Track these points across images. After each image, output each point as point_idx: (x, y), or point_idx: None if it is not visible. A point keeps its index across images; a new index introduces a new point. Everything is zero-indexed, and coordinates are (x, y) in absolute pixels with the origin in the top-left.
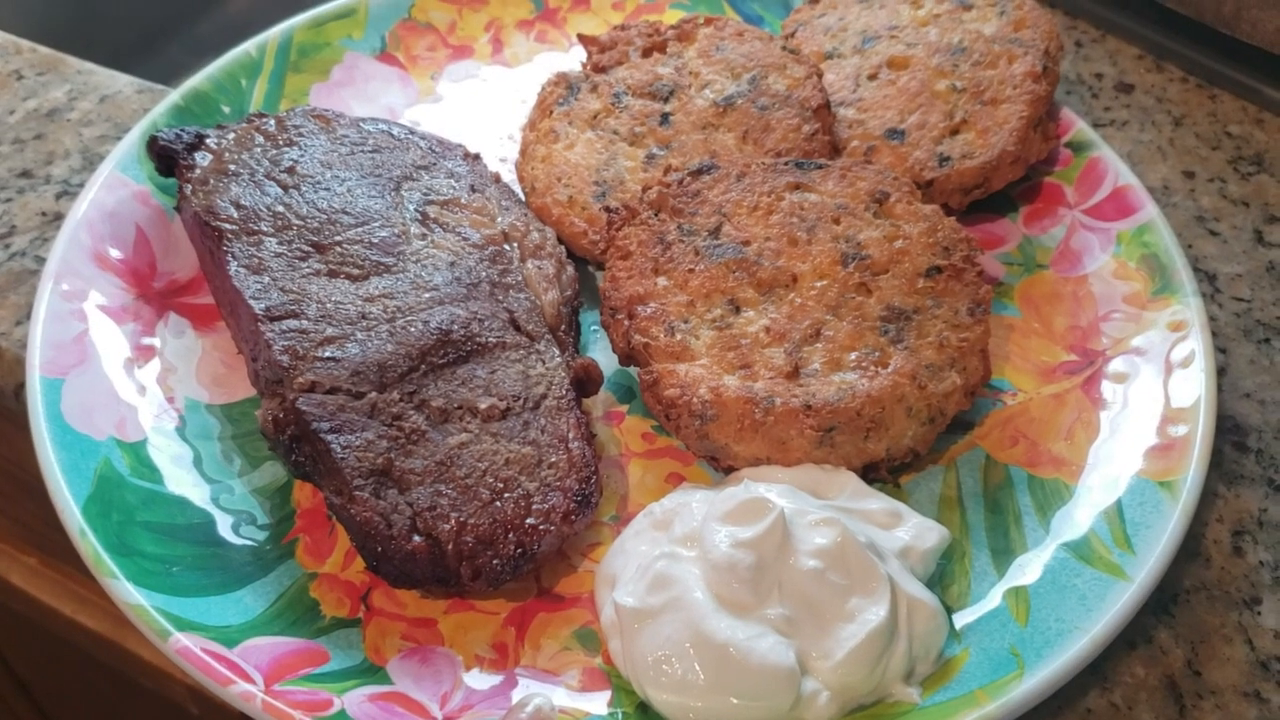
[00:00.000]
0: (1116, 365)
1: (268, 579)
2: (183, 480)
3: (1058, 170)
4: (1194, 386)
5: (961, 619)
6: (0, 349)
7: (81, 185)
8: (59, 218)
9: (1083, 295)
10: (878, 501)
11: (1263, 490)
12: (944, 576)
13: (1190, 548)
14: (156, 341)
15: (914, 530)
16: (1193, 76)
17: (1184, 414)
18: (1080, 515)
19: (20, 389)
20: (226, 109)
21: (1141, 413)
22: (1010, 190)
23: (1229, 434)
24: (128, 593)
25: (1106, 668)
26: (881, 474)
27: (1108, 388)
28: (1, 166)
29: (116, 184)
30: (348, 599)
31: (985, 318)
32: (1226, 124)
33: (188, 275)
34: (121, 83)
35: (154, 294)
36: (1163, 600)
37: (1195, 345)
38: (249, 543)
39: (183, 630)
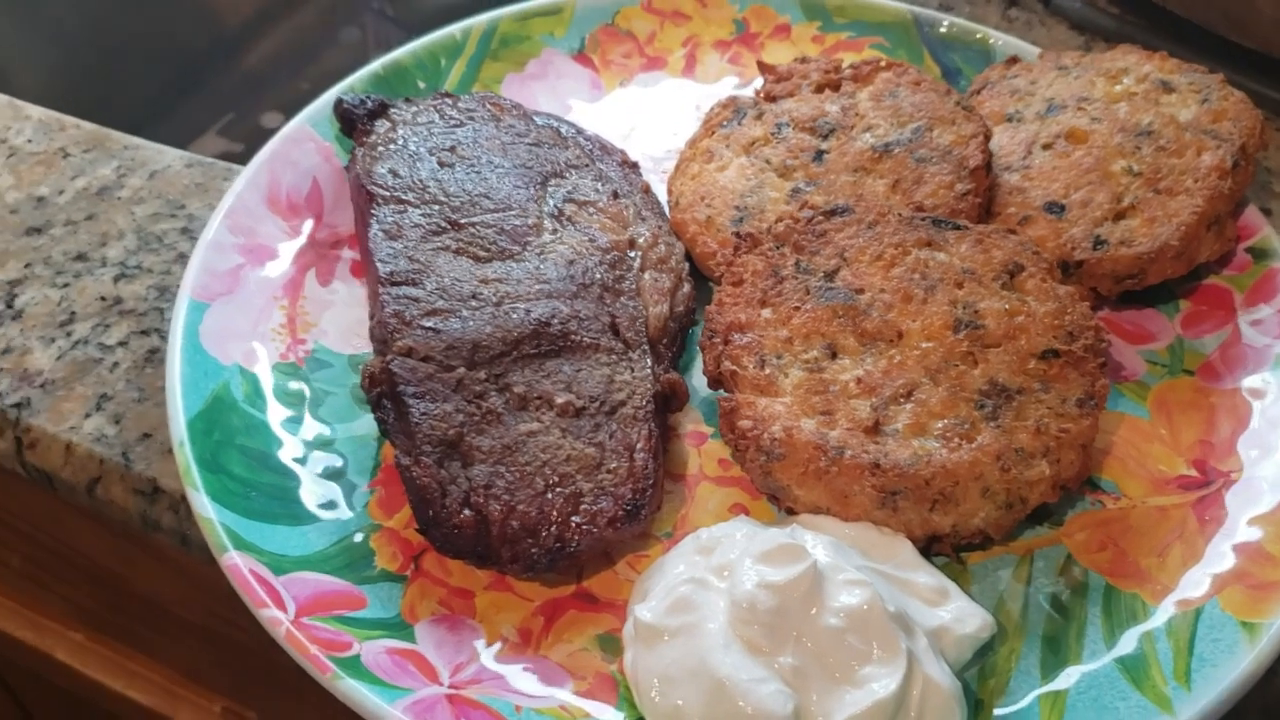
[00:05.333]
0: (1237, 490)
1: (335, 521)
2: (287, 415)
3: (1230, 274)
4: None
5: (993, 714)
6: (71, 444)
7: (139, 267)
8: (119, 302)
9: (1220, 410)
10: (927, 575)
11: None
12: (986, 668)
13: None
14: (304, 286)
15: (957, 612)
16: None
17: None
18: (1149, 637)
19: (94, 484)
20: (422, 84)
21: (1245, 545)
22: (1174, 286)
23: None
24: (203, 505)
25: None
26: (945, 549)
27: (1220, 513)
28: (55, 250)
29: (304, 136)
30: (401, 555)
31: (1095, 413)
32: None
33: (348, 230)
34: (170, 157)
35: (313, 243)
36: None
37: None
38: (329, 484)
39: (240, 549)
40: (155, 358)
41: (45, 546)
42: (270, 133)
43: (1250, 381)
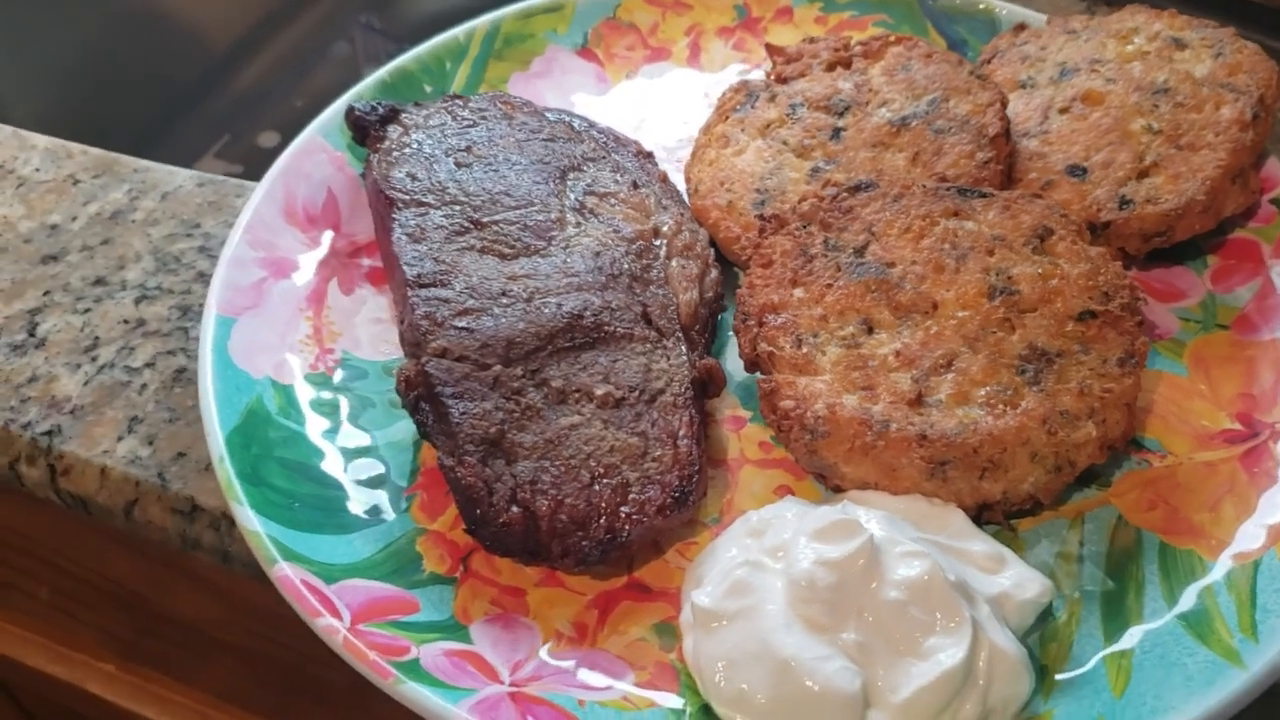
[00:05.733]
0: None
1: (380, 527)
2: (323, 425)
3: (1257, 226)
4: None
5: (1056, 678)
6: (106, 468)
7: (159, 289)
8: (142, 324)
9: (1260, 362)
10: (982, 544)
11: None
12: (1047, 633)
13: None
14: (327, 296)
15: (1015, 578)
16: None
17: None
18: (1209, 592)
19: (131, 506)
20: (428, 88)
21: None
22: (1201, 242)
23: None
24: (248, 519)
25: None
26: (997, 516)
27: (1269, 464)
28: (74, 276)
29: (315, 147)
30: (449, 557)
31: (1137, 371)
32: None
33: (366, 238)
34: (181, 178)
35: (333, 252)
36: None
37: None
38: (371, 491)
39: (289, 560)
40: (183, 377)
41: (74, 576)
42: (268, 152)
43: None
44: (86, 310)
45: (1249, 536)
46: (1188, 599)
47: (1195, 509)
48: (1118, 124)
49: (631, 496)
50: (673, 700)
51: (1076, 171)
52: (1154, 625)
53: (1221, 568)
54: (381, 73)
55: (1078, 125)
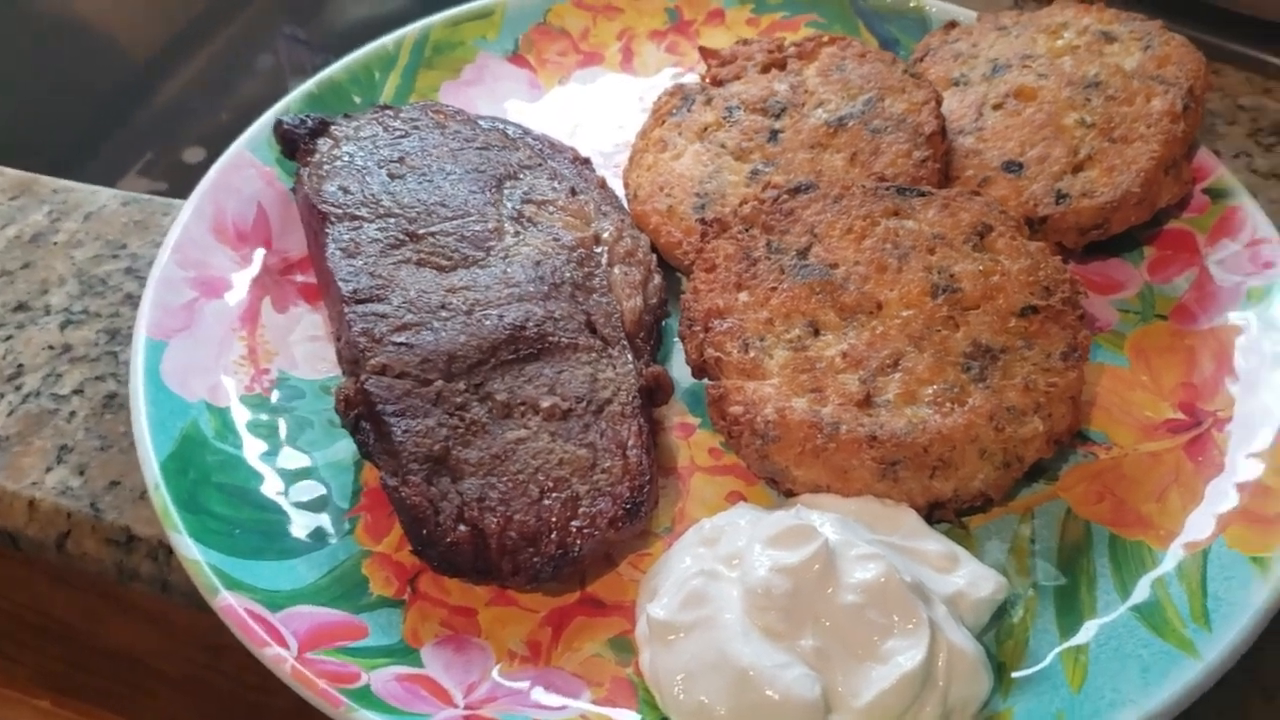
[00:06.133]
0: (1225, 429)
1: (324, 551)
2: (261, 448)
3: (1191, 216)
4: None
5: (1013, 676)
6: (34, 500)
7: (85, 313)
8: (69, 349)
9: (1199, 351)
10: (936, 543)
11: None
12: (1002, 631)
13: None
14: (261, 314)
15: (969, 576)
16: None
17: None
18: (1161, 583)
19: (64, 539)
20: (358, 99)
21: (1244, 483)
22: (1137, 234)
23: None
24: (187, 547)
25: (1264, 676)
26: (948, 515)
27: (1212, 452)
28: None
29: (244, 163)
30: (396, 580)
31: (1080, 364)
32: (1237, 97)
33: (299, 254)
34: (104, 197)
35: (265, 270)
36: None
37: None
38: (313, 514)
39: (231, 589)
40: (114, 403)
41: (5, 612)
42: (194, 169)
43: (1226, 319)
44: (9, 337)
45: (1197, 525)
46: (1140, 590)
47: (1143, 500)
48: (1051, 119)
49: (582, 510)
50: (631, 716)
51: (1012, 167)
52: (1108, 618)
53: (1172, 558)
54: (309, 84)
55: (1012, 121)
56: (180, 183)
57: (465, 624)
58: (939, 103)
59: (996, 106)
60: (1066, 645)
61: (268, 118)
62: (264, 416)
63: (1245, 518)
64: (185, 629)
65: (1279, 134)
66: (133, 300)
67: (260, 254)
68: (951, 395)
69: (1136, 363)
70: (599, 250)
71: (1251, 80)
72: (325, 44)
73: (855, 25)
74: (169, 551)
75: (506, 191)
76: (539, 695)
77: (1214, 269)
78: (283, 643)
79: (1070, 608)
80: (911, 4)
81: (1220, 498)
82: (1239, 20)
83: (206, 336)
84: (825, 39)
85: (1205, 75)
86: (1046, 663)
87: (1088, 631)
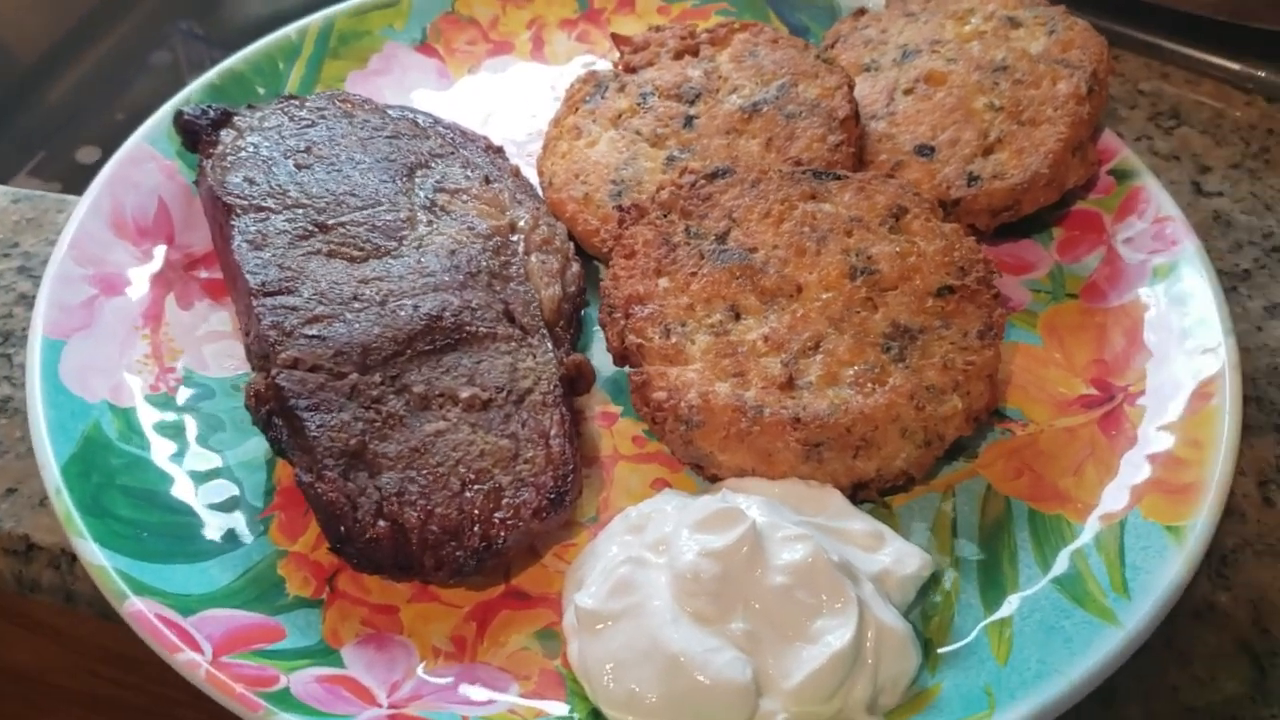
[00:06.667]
0: (1137, 403)
1: (237, 552)
2: (169, 449)
3: (1097, 197)
4: (1214, 431)
5: (940, 652)
6: None
7: None
8: None
9: (1110, 328)
10: (861, 522)
11: (1272, 437)
12: (927, 607)
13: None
14: (164, 311)
15: (895, 555)
16: None
17: (1201, 459)
18: (1080, 554)
19: None
20: (261, 90)
21: (1157, 454)
22: (1046, 215)
23: None
24: (92, 553)
25: (1180, 641)
26: (871, 494)
27: (1125, 426)
28: None
29: (143, 156)
30: (314, 579)
31: (996, 343)
32: (1137, 82)
33: (203, 249)
34: None
35: (168, 265)
36: (1213, 563)
37: (1221, 389)
38: (225, 515)
39: (140, 594)
40: (9, 406)
41: None
42: (88, 168)
43: (1134, 296)
44: None
45: (1113, 497)
46: (1061, 563)
47: (1059, 474)
48: (961, 103)
49: (505, 501)
50: (560, 708)
51: (924, 151)
52: (1030, 591)
53: (1090, 530)
54: (210, 75)
55: (922, 105)
56: (74, 183)
57: (387, 622)
58: (851, 87)
59: (907, 91)
60: (991, 619)
61: (168, 109)
62: (171, 416)
63: (1159, 488)
64: (90, 642)
65: (1178, 117)
66: (27, 300)
67: (162, 249)
68: (872, 376)
69: (1049, 341)
70: (515, 238)
71: (1150, 65)
72: (224, 40)
73: (765, 13)
74: (72, 560)
75: (418, 180)
76: (465, 691)
77: (1121, 248)
78: (196, 647)
79: (993, 582)
80: None
81: (1134, 470)
82: (1137, 6)
83: (107, 335)
84: (738, 25)
85: (1108, 59)
86: (972, 637)
87: (1011, 605)
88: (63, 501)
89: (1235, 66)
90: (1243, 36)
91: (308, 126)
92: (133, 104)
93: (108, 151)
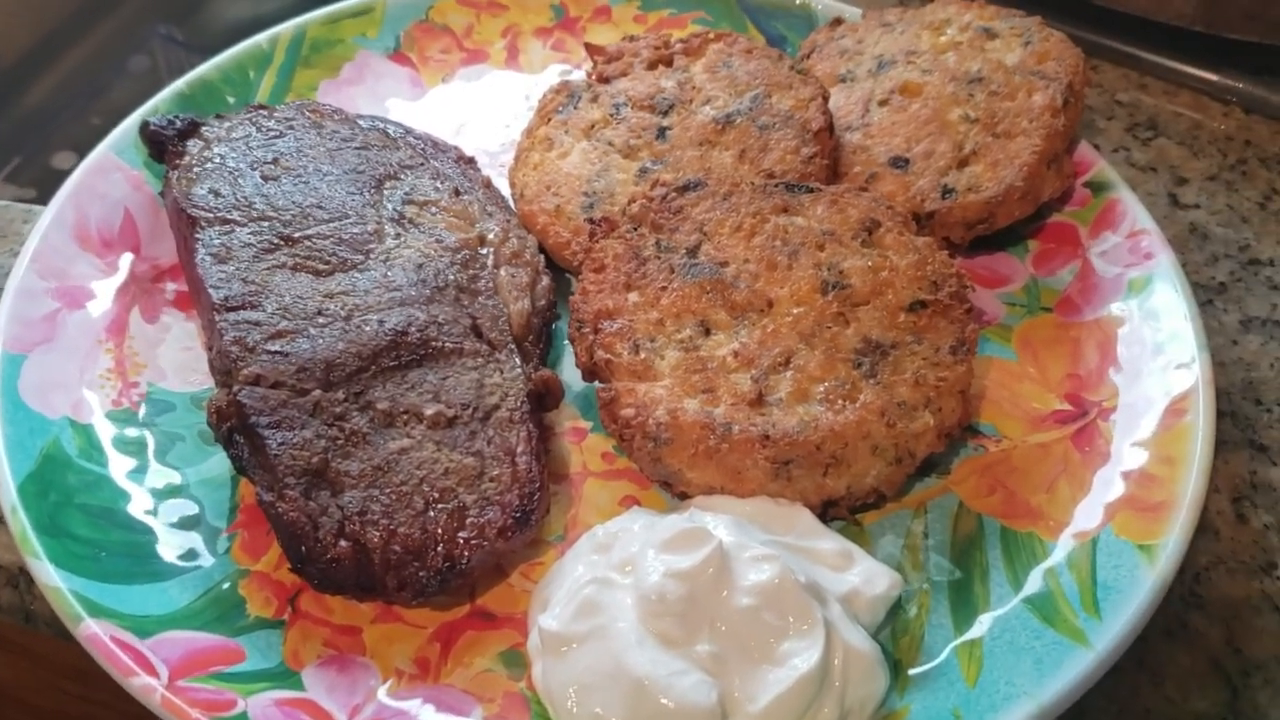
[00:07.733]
0: (1111, 419)
1: (198, 573)
2: (129, 466)
3: (1073, 210)
4: (1187, 448)
5: (910, 673)
6: None
7: None
8: None
9: (1084, 343)
10: (830, 541)
11: (1247, 453)
12: (897, 627)
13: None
14: (129, 325)
15: (864, 574)
16: None
17: (1173, 476)
18: (1052, 573)
19: None
20: (231, 99)
21: (1130, 471)
22: (1021, 228)
23: None
24: (48, 574)
25: (1153, 661)
26: (842, 512)
27: (1099, 441)
28: None
29: (109, 166)
30: (275, 599)
31: (968, 358)
32: (1114, 93)
33: (169, 261)
34: None
35: (133, 278)
36: (1186, 581)
37: (1195, 405)
38: (185, 533)
39: (96, 616)
40: None
41: None
42: (64, 175)
43: (1108, 310)
44: None
45: (1086, 515)
46: (1032, 582)
47: (1032, 491)
48: (936, 114)
49: (470, 520)
50: None
51: (899, 163)
52: (1001, 611)
53: (1062, 548)
54: (179, 84)
55: (898, 117)
56: (49, 189)
57: (349, 643)
58: (826, 99)
59: (883, 103)
60: (961, 640)
61: (134, 119)
62: (131, 432)
63: (1132, 505)
64: (54, 658)
65: (1155, 128)
66: None
67: (128, 261)
68: (843, 392)
69: (1023, 355)
70: (484, 252)
71: (1128, 76)
72: (203, 45)
73: (743, 22)
74: (30, 579)
75: (387, 192)
76: (428, 714)
77: (1096, 261)
78: (152, 671)
79: (964, 602)
80: (798, 1)
81: (1107, 487)
82: (1115, 17)
83: (69, 349)
84: (712, 35)
85: (1084, 70)
86: (942, 658)
87: (982, 625)
88: (18, 520)
89: (1213, 77)
90: (1221, 48)
91: (276, 137)
92: (110, 109)
93: (83, 157)
